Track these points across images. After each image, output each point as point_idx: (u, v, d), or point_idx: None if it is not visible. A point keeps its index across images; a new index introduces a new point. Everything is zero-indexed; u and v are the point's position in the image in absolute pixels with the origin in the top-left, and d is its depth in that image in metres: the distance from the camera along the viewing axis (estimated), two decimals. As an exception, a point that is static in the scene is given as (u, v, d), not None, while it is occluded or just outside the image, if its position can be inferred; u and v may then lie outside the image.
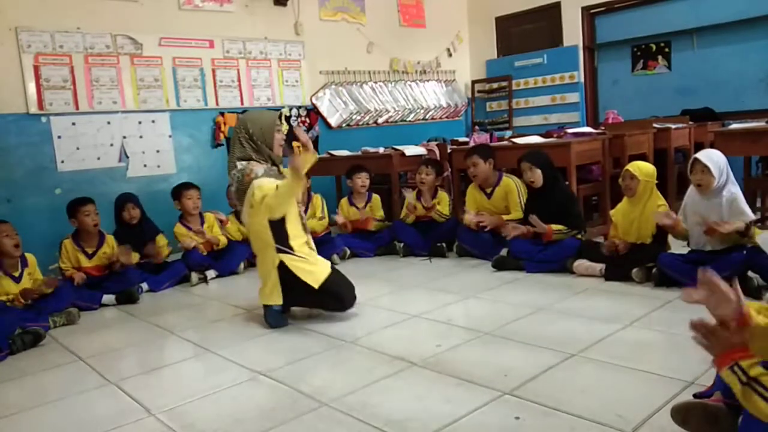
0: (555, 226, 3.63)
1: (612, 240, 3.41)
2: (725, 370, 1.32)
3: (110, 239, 3.98)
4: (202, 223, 4.42)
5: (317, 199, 4.72)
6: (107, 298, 3.73)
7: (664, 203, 3.33)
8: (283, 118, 5.87)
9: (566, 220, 3.66)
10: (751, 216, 2.93)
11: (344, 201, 4.87)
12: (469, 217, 4.14)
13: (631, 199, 3.37)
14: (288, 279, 2.92)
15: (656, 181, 3.36)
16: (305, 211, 4.26)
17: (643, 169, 3.33)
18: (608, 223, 3.60)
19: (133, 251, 4.00)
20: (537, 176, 3.71)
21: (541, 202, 3.74)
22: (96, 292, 3.74)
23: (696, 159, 2.96)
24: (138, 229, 4.14)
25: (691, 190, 3.09)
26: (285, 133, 3.16)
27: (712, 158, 2.94)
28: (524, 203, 4.00)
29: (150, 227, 4.23)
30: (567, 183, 4.07)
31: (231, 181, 3.09)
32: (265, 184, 2.88)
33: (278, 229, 2.91)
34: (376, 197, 4.84)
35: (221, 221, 4.56)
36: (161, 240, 4.26)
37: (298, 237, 2.98)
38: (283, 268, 2.91)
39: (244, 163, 3.02)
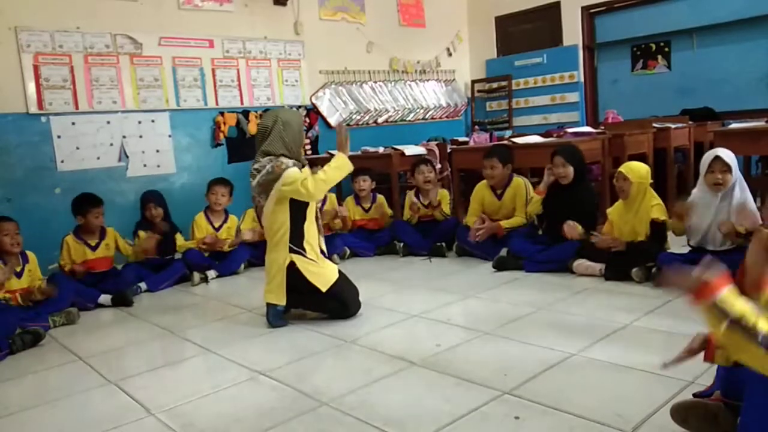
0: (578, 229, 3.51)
1: (610, 237, 3.36)
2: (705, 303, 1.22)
3: (110, 230, 4.01)
4: (225, 220, 4.45)
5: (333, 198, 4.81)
6: (103, 298, 3.71)
7: (659, 202, 3.30)
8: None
9: (581, 219, 3.57)
10: (759, 221, 2.90)
11: (350, 199, 4.87)
12: (474, 233, 4.08)
13: (625, 201, 3.35)
14: (295, 280, 2.92)
15: (650, 181, 3.33)
16: (321, 207, 4.31)
17: (635, 170, 3.29)
18: (603, 221, 3.59)
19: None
20: (569, 173, 3.62)
21: (563, 198, 3.66)
22: (93, 290, 3.72)
23: (718, 158, 2.87)
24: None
25: (701, 189, 3.01)
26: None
27: (731, 156, 2.88)
28: (536, 198, 3.91)
29: (171, 225, 4.28)
30: (593, 183, 3.97)
31: (254, 173, 2.98)
32: (298, 172, 2.89)
33: (296, 228, 2.92)
34: (380, 197, 4.85)
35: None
36: (179, 239, 4.32)
37: (312, 240, 3.00)
38: (292, 268, 2.92)
39: (270, 157, 2.95)
